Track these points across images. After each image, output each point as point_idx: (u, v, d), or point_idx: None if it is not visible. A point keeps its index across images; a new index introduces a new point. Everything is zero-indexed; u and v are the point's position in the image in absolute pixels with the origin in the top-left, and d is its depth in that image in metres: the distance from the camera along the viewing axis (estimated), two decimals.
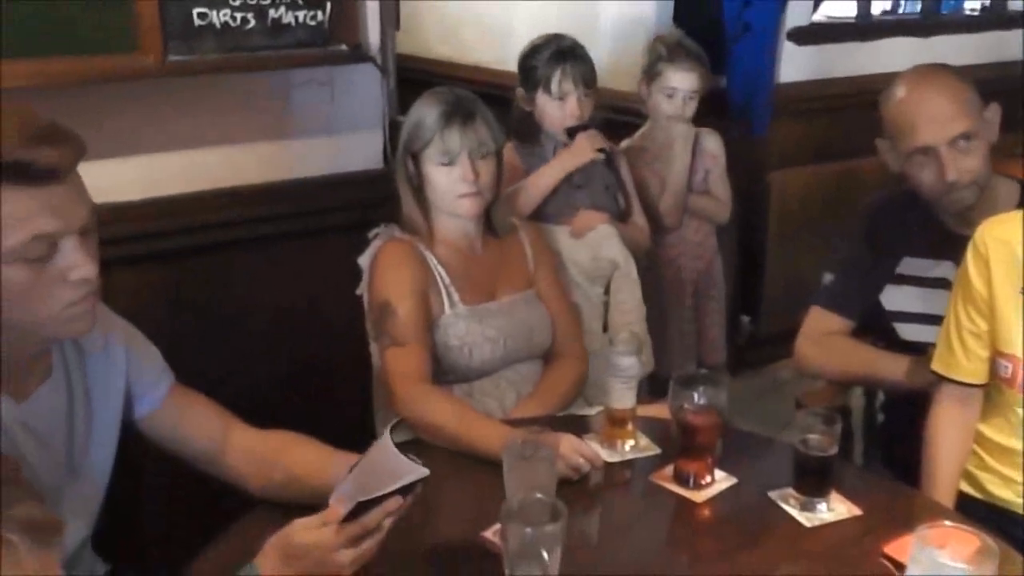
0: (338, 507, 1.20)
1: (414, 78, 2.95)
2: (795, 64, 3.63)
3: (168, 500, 1.98)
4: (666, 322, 2.66)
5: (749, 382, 3.36)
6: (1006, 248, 1.63)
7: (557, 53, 2.41)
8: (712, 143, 2.78)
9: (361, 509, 1.20)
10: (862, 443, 2.11)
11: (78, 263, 1.21)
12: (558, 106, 2.40)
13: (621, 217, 2.47)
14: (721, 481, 1.58)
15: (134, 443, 1.51)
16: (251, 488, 1.51)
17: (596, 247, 2.27)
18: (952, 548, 1.13)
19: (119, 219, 2.07)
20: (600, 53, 2.87)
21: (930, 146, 1.79)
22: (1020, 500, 1.66)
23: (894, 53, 3.72)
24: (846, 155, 3.59)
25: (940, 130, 1.78)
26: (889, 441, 2.05)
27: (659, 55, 2.71)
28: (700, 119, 3.00)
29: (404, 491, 1.22)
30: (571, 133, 2.39)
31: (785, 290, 3.55)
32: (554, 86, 2.39)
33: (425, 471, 1.23)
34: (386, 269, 1.88)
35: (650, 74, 2.72)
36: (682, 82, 2.67)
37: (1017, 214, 1.69)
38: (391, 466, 1.24)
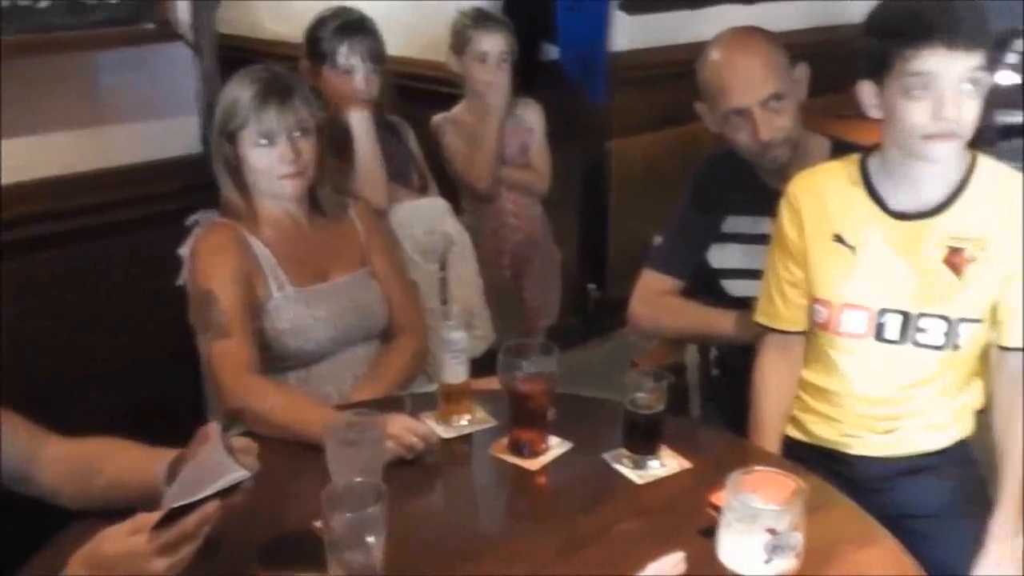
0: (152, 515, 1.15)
1: (245, 59, 2.83)
2: (628, 32, 3.68)
3: None
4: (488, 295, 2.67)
5: (599, 348, 3.41)
6: (816, 198, 1.69)
7: (344, 26, 2.38)
8: (530, 115, 2.78)
9: (176, 514, 1.14)
10: (698, 398, 2.17)
11: None
12: (344, 81, 2.36)
13: (420, 191, 2.45)
14: (556, 447, 1.59)
15: None
16: (67, 502, 1.42)
17: (430, 222, 2.25)
18: (764, 491, 1.17)
19: None
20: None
21: (743, 107, 1.86)
22: (841, 439, 1.74)
23: (724, 20, 3.80)
24: (684, 121, 3.65)
25: (752, 91, 1.85)
26: (723, 394, 2.11)
27: (465, 24, 2.71)
28: (536, 89, 3.02)
29: (225, 493, 1.17)
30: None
31: (631, 256, 3.59)
32: (340, 59, 2.35)
33: (245, 472, 1.18)
34: (206, 257, 1.81)
35: (459, 44, 2.72)
36: (492, 44, 2.67)
37: (825, 165, 1.76)
38: (214, 467, 1.19)
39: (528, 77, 3.06)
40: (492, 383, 1.76)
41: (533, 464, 1.55)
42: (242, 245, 1.83)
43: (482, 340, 2.19)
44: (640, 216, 3.65)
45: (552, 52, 3.44)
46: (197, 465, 1.22)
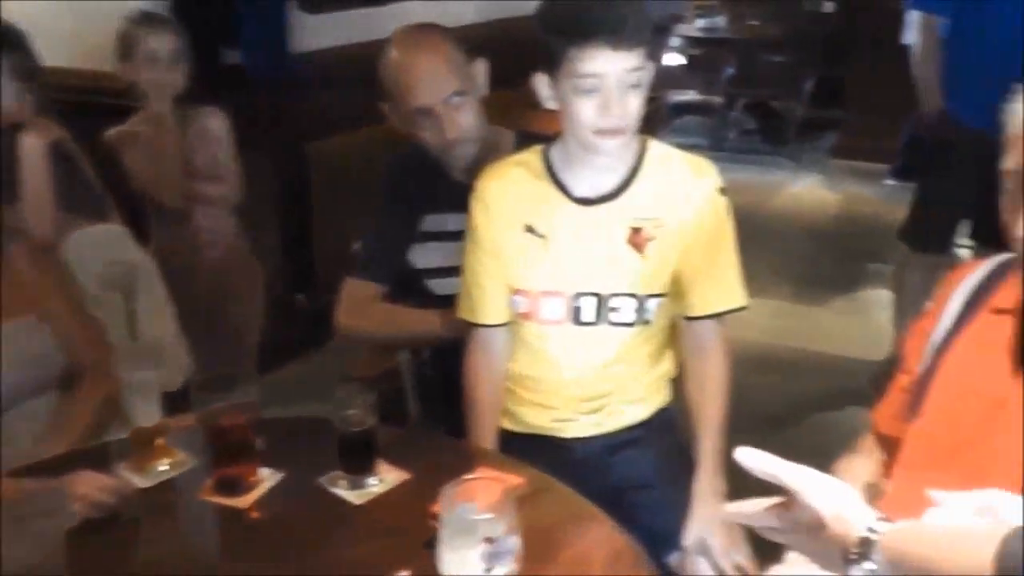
0: None
1: None
2: (312, 32, 3.59)
3: None
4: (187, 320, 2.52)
5: (313, 361, 3.31)
6: (504, 191, 1.72)
7: None
8: (215, 123, 2.66)
9: None
10: (416, 401, 2.15)
11: None
12: None
13: (96, 218, 2.27)
14: (267, 479, 1.50)
15: None
16: None
17: (109, 251, 2.07)
18: (480, 497, 1.16)
19: None
20: None
21: (427, 106, 1.86)
22: (554, 424, 1.78)
23: (406, 16, 3.81)
24: (382, 120, 3.63)
25: (434, 90, 1.85)
26: (439, 394, 2.10)
27: (130, 27, 2.58)
28: (220, 95, 2.86)
29: None
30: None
31: (338, 262, 3.52)
32: None
33: None
34: None
35: (126, 48, 2.57)
36: (160, 43, 2.56)
37: (510, 158, 1.79)
38: None
39: (210, 84, 2.90)
40: (186, 420, 1.64)
41: (244, 501, 1.46)
42: None
43: (178, 372, 2.04)
44: (346, 218, 3.57)
45: (234, 56, 3.28)
46: None
